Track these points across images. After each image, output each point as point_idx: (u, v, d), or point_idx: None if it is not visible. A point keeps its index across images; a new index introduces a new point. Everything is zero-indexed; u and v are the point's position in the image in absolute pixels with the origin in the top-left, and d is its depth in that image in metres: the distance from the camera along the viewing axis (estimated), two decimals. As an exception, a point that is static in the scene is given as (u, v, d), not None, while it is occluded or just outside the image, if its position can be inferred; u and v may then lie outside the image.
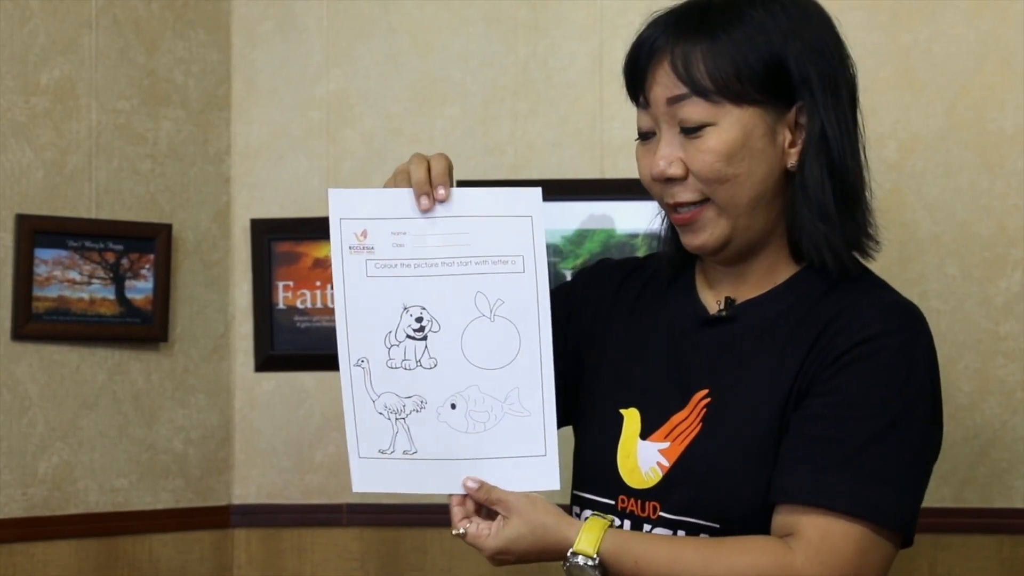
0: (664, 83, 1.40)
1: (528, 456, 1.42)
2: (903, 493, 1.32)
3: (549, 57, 2.69)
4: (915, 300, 1.45)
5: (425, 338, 1.44)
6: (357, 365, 1.45)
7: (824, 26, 1.43)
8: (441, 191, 1.43)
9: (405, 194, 1.44)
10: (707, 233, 1.41)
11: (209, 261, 2.75)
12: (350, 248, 1.44)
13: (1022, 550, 2.48)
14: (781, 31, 1.39)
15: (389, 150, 2.73)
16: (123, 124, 2.65)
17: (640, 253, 2.58)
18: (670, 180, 1.41)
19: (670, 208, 1.44)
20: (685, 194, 1.41)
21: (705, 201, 1.40)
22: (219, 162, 2.77)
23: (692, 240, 1.43)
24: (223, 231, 2.77)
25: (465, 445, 1.43)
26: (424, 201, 1.43)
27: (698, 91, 1.38)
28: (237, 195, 2.78)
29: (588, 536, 1.35)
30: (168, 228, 2.67)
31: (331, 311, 2.69)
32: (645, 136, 1.45)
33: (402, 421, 1.44)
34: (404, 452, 1.44)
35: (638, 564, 1.33)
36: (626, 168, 2.60)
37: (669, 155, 1.40)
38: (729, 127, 1.38)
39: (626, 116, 2.61)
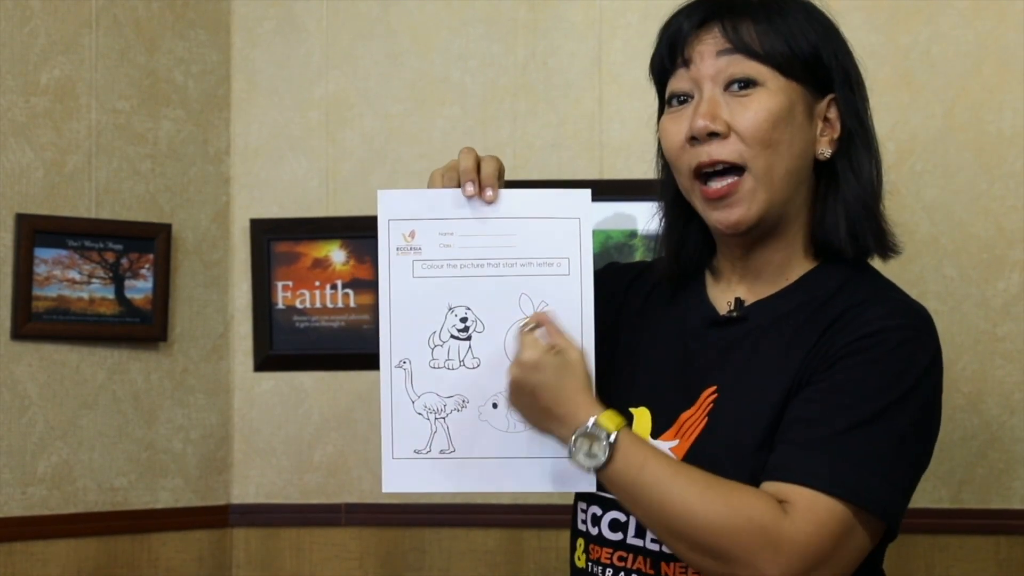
0: (713, 42, 1.41)
1: (566, 457, 1.42)
2: (885, 480, 1.32)
3: (548, 58, 2.69)
4: (912, 301, 1.46)
5: (469, 338, 1.45)
6: (398, 366, 1.45)
7: (842, 36, 1.48)
8: (489, 192, 1.43)
9: (454, 194, 1.45)
10: (744, 207, 1.40)
11: (208, 261, 2.75)
12: (397, 249, 1.45)
13: (1020, 551, 2.48)
14: (822, 27, 1.44)
15: (388, 150, 2.73)
16: (123, 124, 2.66)
17: (638, 253, 2.60)
18: (710, 137, 1.39)
19: (702, 175, 1.41)
20: (723, 152, 1.39)
21: (741, 172, 1.39)
22: (219, 162, 2.77)
23: (727, 216, 1.41)
24: (222, 231, 2.77)
25: (504, 444, 1.44)
26: (469, 188, 1.43)
27: (748, 52, 1.39)
28: (236, 195, 2.78)
29: (611, 417, 1.35)
30: (168, 228, 2.67)
31: (329, 311, 2.71)
32: (680, 100, 1.44)
33: (441, 421, 1.45)
34: (441, 451, 1.45)
35: (646, 462, 1.33)
36: (625, 169, 2.61)
37: (712, 111, 1.39)
38: (777, 91, 1.39)
39: (624, 117, 2.65)
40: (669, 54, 1.45)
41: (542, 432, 1.40)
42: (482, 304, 1.44)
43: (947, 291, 2.51)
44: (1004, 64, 2.52)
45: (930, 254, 2.51)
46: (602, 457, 1.33)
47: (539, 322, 1.40)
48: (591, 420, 1.34)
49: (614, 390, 1.49)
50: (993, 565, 2.49)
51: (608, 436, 1.33)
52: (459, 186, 1.44)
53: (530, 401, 1.38)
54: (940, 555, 2.51)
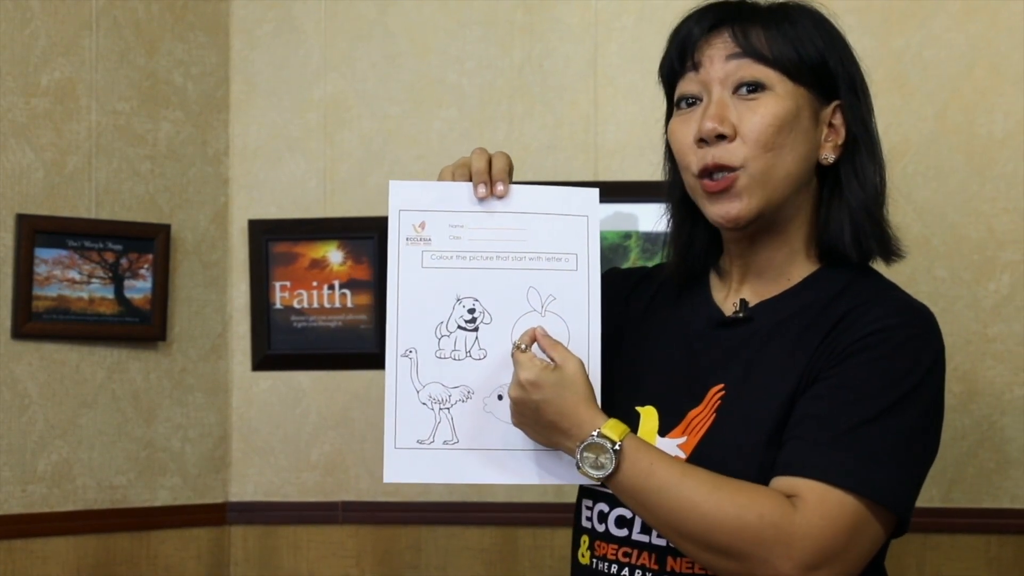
0: (723, 46, 1.44)
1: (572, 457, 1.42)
2: (894, 473, 1.34)
3: (544, 60, 2.71)
4: (904, 302, 1.47)
5: (476, 329, 1.46)
6: (404, 356, 1.46)
7: (849, 45, 1.50)
8: (500, 187, 1.46)
9: (465, 188, 1.47)
10: (743, 202, 1.42)
11: (207, 261, 2.77)
12: (407, 239, 1.47)
13: (1010, 550, 2.50)
14: (829, 35, 1.47)
15: (386, 152, 2.75)
16: (123, 125, 2.68)
17: (633, 254, 2.61)
18: (717, 139, 1.42)
19: (704, 173, 1.44)
20: (728, 156, 1.42)
21: (740, 169, 1.42)
22: (217, 163, 2.79)
23: (726, 210, 1.44)
24: (221, 231, 2.79)
25: (508, 436, 1.45)
26: (481, 189, 1.46)
27: (757, 56, 1.42)
28: (235, 196, 2.80)
29: (615, 426, 1.37)
30: (167, 228, 2.69)
31: (327, 311, 2.73)
32: (689, 102, 1.46)
33: (446, 411, 1.46)
34: (444, 442, 1.45)
35: (652, 467, 1.35)
36: (620, 171, 2.63)
37: (719, 114, 1.42)
38: (785, 95, 1.42)
39: (619, 119, 2.67)
40: (679, 57, 1.47)
41: (549, 447, 1.41)
42: (490, 296, 1.46)
43: (938, 292, 2.52)
44: (995, 67, 2.53)
45: (922, 255, 2.53)
46: (609, 466, 1.35)
47: (532, 338, 1.42)
48: (595, 431, 1.36)
49: (620, 391, 1.52)
50: (983, 564, 2.51)
51: (613, 445, 1.35)
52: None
53: (534, 419, 1.40)
54: (931, 554, 2.53)
